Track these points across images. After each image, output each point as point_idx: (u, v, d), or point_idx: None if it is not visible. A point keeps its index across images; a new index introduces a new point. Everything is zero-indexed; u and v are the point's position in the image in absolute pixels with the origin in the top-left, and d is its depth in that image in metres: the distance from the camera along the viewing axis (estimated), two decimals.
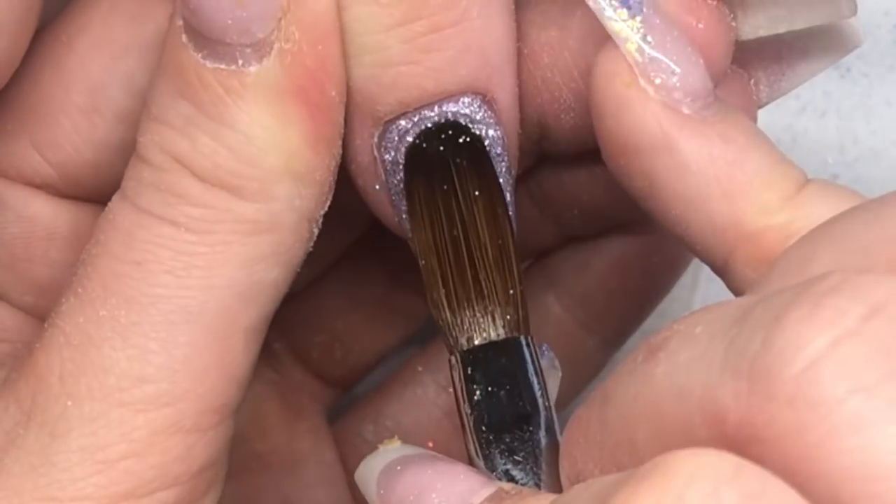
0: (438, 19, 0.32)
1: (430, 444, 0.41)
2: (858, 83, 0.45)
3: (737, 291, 0.32)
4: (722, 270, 0.32)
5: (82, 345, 0.31)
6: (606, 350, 0.41)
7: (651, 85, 0.31)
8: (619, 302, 0.40)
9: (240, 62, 0.31)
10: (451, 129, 0.33)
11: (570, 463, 0.30)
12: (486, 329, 0.33)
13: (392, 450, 0.33)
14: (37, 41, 0.35)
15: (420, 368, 0.42)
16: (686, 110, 0.31)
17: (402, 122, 0.33)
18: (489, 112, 0.33)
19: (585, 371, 0.41)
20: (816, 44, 0.35)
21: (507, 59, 0.33)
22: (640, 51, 0.32)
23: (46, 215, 0.36)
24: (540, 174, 0.39)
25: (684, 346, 0.26)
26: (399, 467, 0.32)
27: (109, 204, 0.32)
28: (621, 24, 0.32)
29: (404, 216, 0.34)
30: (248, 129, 0.31)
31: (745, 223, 0.31)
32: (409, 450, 0.33)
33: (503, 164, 0.34)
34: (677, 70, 0.31)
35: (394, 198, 0.34)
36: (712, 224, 0.31)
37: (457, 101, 0.33)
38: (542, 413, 0.33)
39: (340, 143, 0.33)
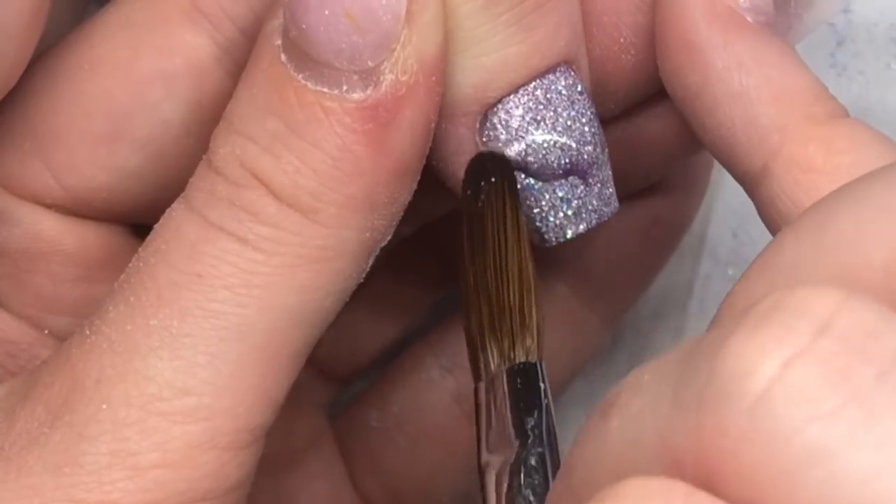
0: None
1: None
2: (855, 81, 0.45)
3: (771, 200, 0.32)
4: (758, 177, 0.32)
5: (127, 352, 0.31)
6: (606, 328, 0.42)
7: None
8: (618, 274, 0.41)
9: (344, 88, 0.30)
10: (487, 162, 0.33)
11: None
12: (512, 356, 0.33)
13: None
14: (57, 65, 0.35)
15: (423, 354, 0.42)
16: (749, 19, 0.32)
17: (511, 100, 0.33)
18: (577, 78, 0.34)
19: (587, 349, 0.42)
20: None
21: (581, 24, 0.34)
22: None
23: (54, 232, 0.35)
24: None
25: (634, 396, 0.25)
26: None
27: (171, 212, 0.32)
28: None
29: None
30: (337, 152, 0.30)
31: (791, 127, 0.32)
32: None
33: (594, 120, 0.34)
34: None
35: None
36: (758, 125, 0.32)
37: (555, 73, 0.33)
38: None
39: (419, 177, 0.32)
